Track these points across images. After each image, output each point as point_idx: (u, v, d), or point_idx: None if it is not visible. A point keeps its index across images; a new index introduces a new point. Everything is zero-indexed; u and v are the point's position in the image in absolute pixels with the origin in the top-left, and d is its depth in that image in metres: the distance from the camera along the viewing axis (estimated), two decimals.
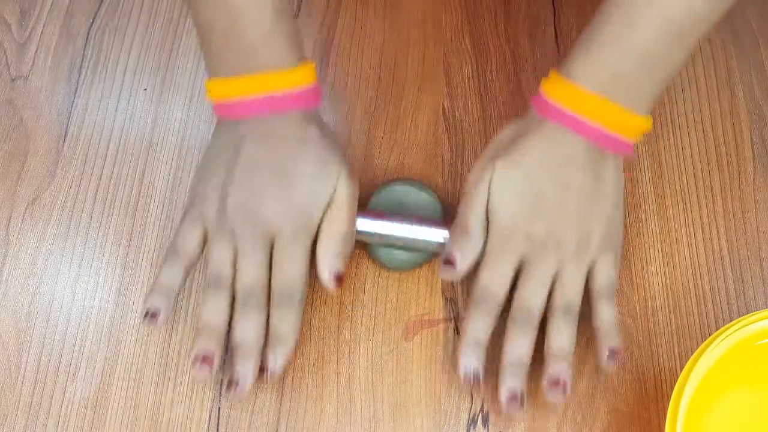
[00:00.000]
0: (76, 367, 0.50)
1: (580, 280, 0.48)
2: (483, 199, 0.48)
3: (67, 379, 0.50)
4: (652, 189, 0.56)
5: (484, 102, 0.59)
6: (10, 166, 0.57)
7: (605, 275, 0.48)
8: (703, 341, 0.44)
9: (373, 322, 0.52)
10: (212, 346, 0.46)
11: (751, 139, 0.58)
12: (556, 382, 0.46)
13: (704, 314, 0.52)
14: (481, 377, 0.47)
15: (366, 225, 0.51)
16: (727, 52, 0.61)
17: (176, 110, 0.59)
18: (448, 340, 0.51)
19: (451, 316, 0.52)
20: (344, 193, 0.48)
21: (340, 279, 0.48)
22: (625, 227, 0.55)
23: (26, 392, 0.50)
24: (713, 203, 0.56)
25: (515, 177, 0.47)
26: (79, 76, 0.61)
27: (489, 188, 0.48)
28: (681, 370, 0.43)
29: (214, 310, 0.47)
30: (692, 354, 0.44)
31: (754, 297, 0.53)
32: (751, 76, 0.60)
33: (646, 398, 0.50)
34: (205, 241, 0.48)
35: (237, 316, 0.47)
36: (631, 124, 0.47)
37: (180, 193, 0.56)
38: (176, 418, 0.49)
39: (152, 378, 0.50)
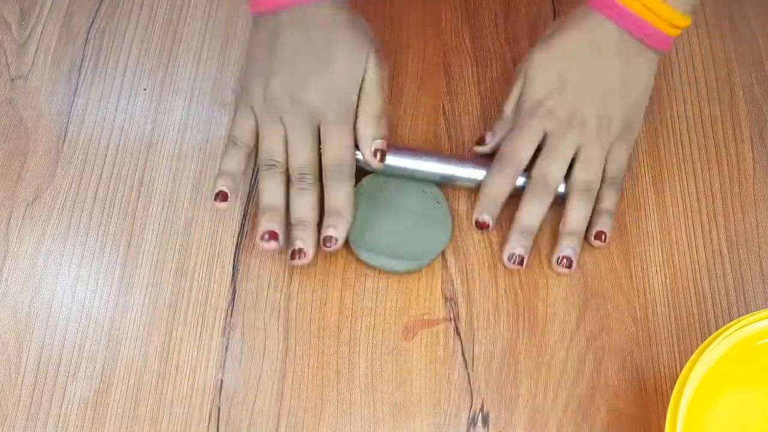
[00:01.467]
0: (76, 367, 0.50)
1: (600, 161, 0.52)
2: (519, 85, 0.53)
3: (67, 379, 0.50)
4: (652, 189, 0.56)
5: (484, 102, 0.59)
6: (10, 166, 0.57)
7: (616, 163, 0.52)
8: (703, 341, 0.44)
9: (373, 322, 0.52)
10: (276, 222, 0.50)
11: (751, 139, 0.58)
12: (565, 259, 0.52)
13: (704, 314, 0.52)
14: (491, 226, 0.53)
15: (397, 161, 0.54)
16: (727, 52, 0.61)
17: (176, 110, 0.59)
18: (448, 339, 0.51)
19: (451, 316, 0.52)
20: (373, 76, 0.52)
21: (383, 156, 0.52)
22: (625, 226, 0.55)
23: (26, 392, 0.50)
24: (713, 203, 0.56)
25: (547, 58, 0.52)
26: (79, 76, 0.61)
27: (524, 74, 0.53)
28: (681, 370, 0.43)
29: (273, 192, 0.51)
30: (692, 354, 0.44)
31: (754, 297, 0.53)
32: (751, 76, 0.61)
33: (646, 398, 0.50)
34: (257, 130, 0.52)
35: (293, 194, 0.51)
36: (668, 16, 0.49)
37: (180, 193, 0.56)
38: (176, 418, 0.49)
39: (152, 378, 0.50)
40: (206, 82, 0.60)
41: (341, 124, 0.51)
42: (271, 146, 0.51)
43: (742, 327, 0.44)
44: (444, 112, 0.59)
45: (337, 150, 0.51)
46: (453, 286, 0.53)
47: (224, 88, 0.60)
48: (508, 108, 0.55)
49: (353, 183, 0.51)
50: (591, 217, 0.53)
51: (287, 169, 0.51)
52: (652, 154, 0.57)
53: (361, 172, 0.53)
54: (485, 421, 0.49)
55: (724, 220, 0.55)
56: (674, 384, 0.43)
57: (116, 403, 0.49)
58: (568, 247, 0.52)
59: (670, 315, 0.52)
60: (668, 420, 0.42)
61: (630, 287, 0.53)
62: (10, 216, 0.55)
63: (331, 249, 0.51)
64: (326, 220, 0.51)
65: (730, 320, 0.46)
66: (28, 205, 0.55)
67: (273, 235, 0.50)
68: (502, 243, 0.54)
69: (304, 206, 0.51)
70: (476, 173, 0.54)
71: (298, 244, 0.50)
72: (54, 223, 0.55)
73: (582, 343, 0.51)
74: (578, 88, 0.51)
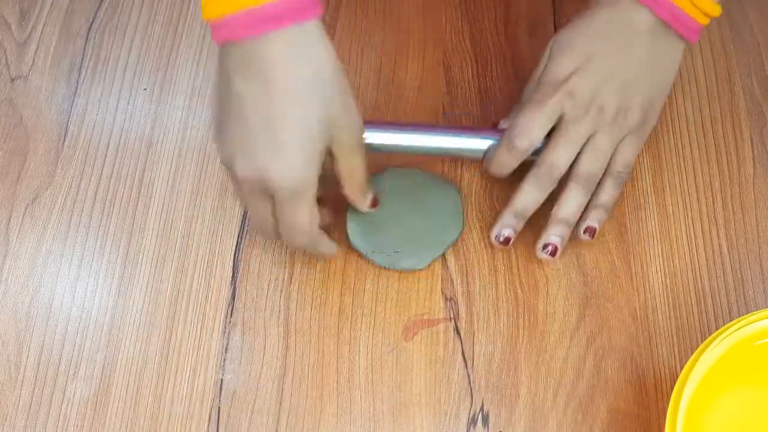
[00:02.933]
0: (76, 367, 0.50)
1: (608, 152, 0.50)
2: (542, 64, 0.51)
3: (67, 379, 0.50)
4: (652, 189, 0.56)
5: (484, 102, 0.59)
6: (10, 165, 0.57)
7: (624, 157, 0.51)
8: (703, 341, 0.44)
9: (373, 322, 0.52)
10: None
11: (751, 138, 0.58)
12: (550, 246, 0.51)
13: (704, 314, 0.52)
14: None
15: (385, 138, 0.52)
16: (727, 52, 0.61)
17: (176, 110, 0.59)
18: (448, 339, 0.51)
19: (451, 315, 0.52)
20: (348, 133, 0.46)
21: (375, 201, 0.51)
22: (625, 226, 0.55)
23: (26, 392, 0.50)
24: (713, 203, 0.56)
25: (576, 35, 0.50)
26: (79, 75, 0.61)
27: (549, 51, 0.51)
28: (681, 370, 0.43)
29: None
30: (692, 354, 0.44)
31: (754, 297, 0.53)
32: (751, 76, 0.60)
33: (646, 398, 0.50)
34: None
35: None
36: (700, 3, 0.48)
37: (180, 193, 0.56)
38: (176, 418, 0.49)
39: (152, 378, 0.50)
40: (206, 82, 0.60)
41: (298, 202, 0.45)
42: (259, 221, 0.48)
43: (742, 327, 0.44)
44: (444, 112, 0.59)
45: (299, 229, 0.47)
46: (453, 286, 0.53)
47: None
48: (528, 89, 0.53)
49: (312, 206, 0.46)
50: (585, 208, 0.52)
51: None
52: (652, 153, 0.57)
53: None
54: (485, 420, 0.49)
55: (724, 220, 0.55)
56: (674, 384, 0.43)
57: (116, 403, 0.49)
58: (555, 234, 0.51)
59: (670, 315, 0.52)
60: (668, 420, 0.42)
61: (630, 287, 0.53)
62: (10, 216, 0.55)
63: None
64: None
65: (730, 320, 0.46)
66: (28, 205, 0.55)
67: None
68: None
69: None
70: (481, 143, 0.52)
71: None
72: (54, 222, 0.55)
73: (582, 343, 0.51)
74: (604, 69, 0.49)
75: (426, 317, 0.52)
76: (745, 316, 0.44)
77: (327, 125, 0.44)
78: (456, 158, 0.56)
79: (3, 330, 0.51)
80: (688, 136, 0.58)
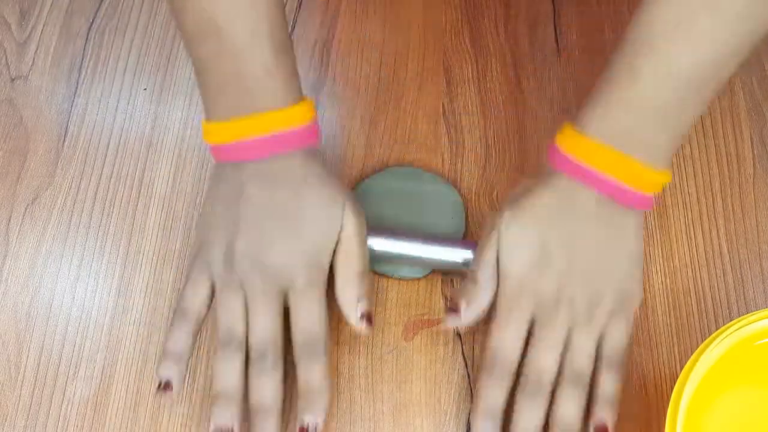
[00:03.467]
0: (76, 367, 0.50)
1: (592, 346, 0.45)
2: (493, 250, 0.46)
3: (67, 379, 0.50)
4: None
5: (484, 102, 0.59)
6: (10, 166, 0.57)
7: (615, 342, 0.46)
8: (703, 341, 0.44)
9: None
10: (230, 415, 0.44)
11: (751, 139, 0.58)
12: None
13: (704, 314, 0.52)
14: None
15: (381, 245, 0.50)
16: None
17: (176, 110, 0.59)
18: (448, 339, 0.51)
19: None
20: (352, 230, 0.47)
21: (369, 319, 0.47)
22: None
23: (26, 392, 0.50)
24: (713, 203, 0.56)
25: (523, 229, 0.46)
26: (79, 75, 0.61)
27: (498, 239, 0.46)
28: (681, 370, 0.43)
29: (228, 373, 0.44)
30: (692, 354, 0.44)
31: (754, 297, 0.53)
32: (751, 76, 0.60)
33: (646, 398, 0.50)
34: (212, 297, 0.46)
35: (253, 375, 0.45)
36: (647, 178, 0.44)
37: (180, 193, 0.56)
38: (176, 418, 0.49)
39: (152, 378, 0.50)
40: None
41: (312, 290, 0.45)
42: (229, 318, 0.45)
43: (742, 327, 0.44)
44: (444, 112, 0.59)
45: (308, 322, 0.45)
46: (453, 286, 0.53)
47: None
48: (483, 272, 0.46)
49: (329, 359, 0.46)
50: (589, 405, 0.45)
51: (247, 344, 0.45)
52: None
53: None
54: None
55: (724, 220, 0.55)
56: (674, 384, 0.43)
57: (116, 403, 0.49)
58: None
59: (670, 315, 0.52)
60: (668, 420, 0.42)
61: None
62: (10, 216, 0.55)
63: None
64: (300, 403, 0.45)
65: (730, 320, 0.46)
66: (28, 205, 0.55)
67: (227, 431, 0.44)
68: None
69: (263, 390, 0.44)
70: (464, 254, 0.50)
71: None
72: (54, 223, 0.55)
73: None
74: (562, 259, 0.45)
75: (426, 317, 0.52)
76: (745, 316, 0.44)
77: (342, 216, 0.47)
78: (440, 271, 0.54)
79: (3, 330, 0.51)
80: (688, 136, 0.58)
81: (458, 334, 0.52)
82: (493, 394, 0.45)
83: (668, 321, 0.52)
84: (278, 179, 0.46)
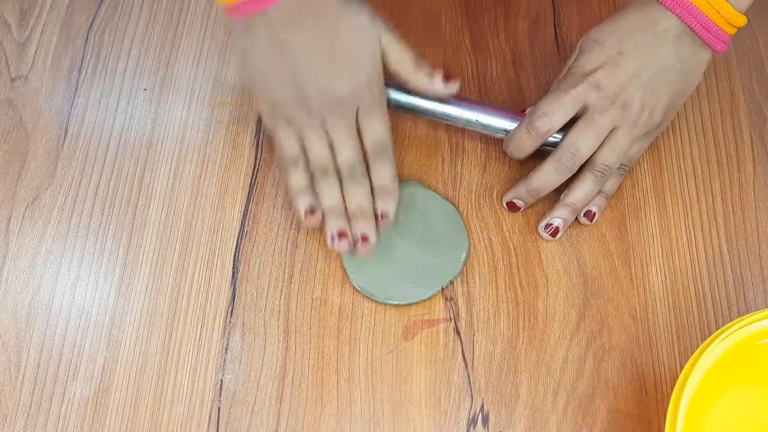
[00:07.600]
0: (76, 367, 0.50)
1: (627, 149, 0.52)
2: (573, 58, 0.52)
3: (67, 379, 0.50)
4: (652, 189, 0.56)
5: (484, 102, 0.59)
6: (10, 166, 0.57)
7: (633, 154, 0.53)
8: (703, 341, 0.44)
9: (373, 322, 0.52)
10: (342, 222, 0.51)
11: (751, 139, 0.58)
12: (552, 227, 0.53)
13: (704, 314, 0.52)
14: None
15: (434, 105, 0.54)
16: (727, 52, 0.61)
17: (176, 110, 0.59)
18: (448, 339, 0.51)
19: (451, 316, 0.52)
20: (390, 36, 0.50)
21: (449, 77, 0.52)
22: (625, 226, 0.55)
23: (26, 392, 0.50)
24: (713, 203, 0.56)
25: (608, 30, 0.51)
26: (79, 75, 0.61)
27: (580, 45, 0.52)
28: (681, 370, 0.43)
29: (331, 194, 0.51)
30: (692, 354, 0.44)
31: (754, 297, 0.53)
32: (751, 76, 0.61)
33: (646, 398, 0.50)
34: (301, 141, 0.51)
35: (348, 189, 0.51)
36: (726, 13, 0.49)
37: (180, 193, 0.56)
38: (176, 418, 0.49)
39: (152, 378, 0.50)
40: (206, 82, 0.60)
41: (376, 107, 0.51)
42: (321, 152, 0.51)
43: (742, 327, 0.44)
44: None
45: (378, 133, 0.51)
46: (453, 286, 0.53)
47: (224, 87, 0.60)
48: (558, 81, 0.54)
49: (394, 163, 0.52)
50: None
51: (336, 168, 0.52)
52: (651, 153, 0.57)
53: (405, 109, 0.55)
54: (485, 421, 0.49)
55: (724, 220, 0.55)
56: (674, 384, 0.43)
57: (116, 403, 0.49)
58: (560, 216, 0.53)
59: (670, 315, 0.52)
60: (668, 420, 0.42)
61: (630, 287, 0.53)
62: (10, 216, 0.55)
63: (382, 226, 0.52)
64: (376, 200, 0.52)
65: (730, 320, 0.46)
66: (28, 205, 0.55)
67: (343, 234, 0.51)
68: (505, 190, 0.55)
69: (361, 195, 0.51)
70: (505, 123, 0.54)
71: (361, 231, 0.51)
72: (54, 222, 0.55)
73: (582, 344, 0.51)
74: (632, 66, 0.50)
75: (426, 317, 0.52)
76: (745, 316, 0.44)
77: (380, 30, 0.50)
78: (479, 132, 0.56)
79: (3, 330, 0.51)
80: (688, 136, 0.58)
81: (458, 334, 0.52)
82: (523, 140, 0.52)
83: (668, 321, 0.52)
84: (310, 17, 0.48)
